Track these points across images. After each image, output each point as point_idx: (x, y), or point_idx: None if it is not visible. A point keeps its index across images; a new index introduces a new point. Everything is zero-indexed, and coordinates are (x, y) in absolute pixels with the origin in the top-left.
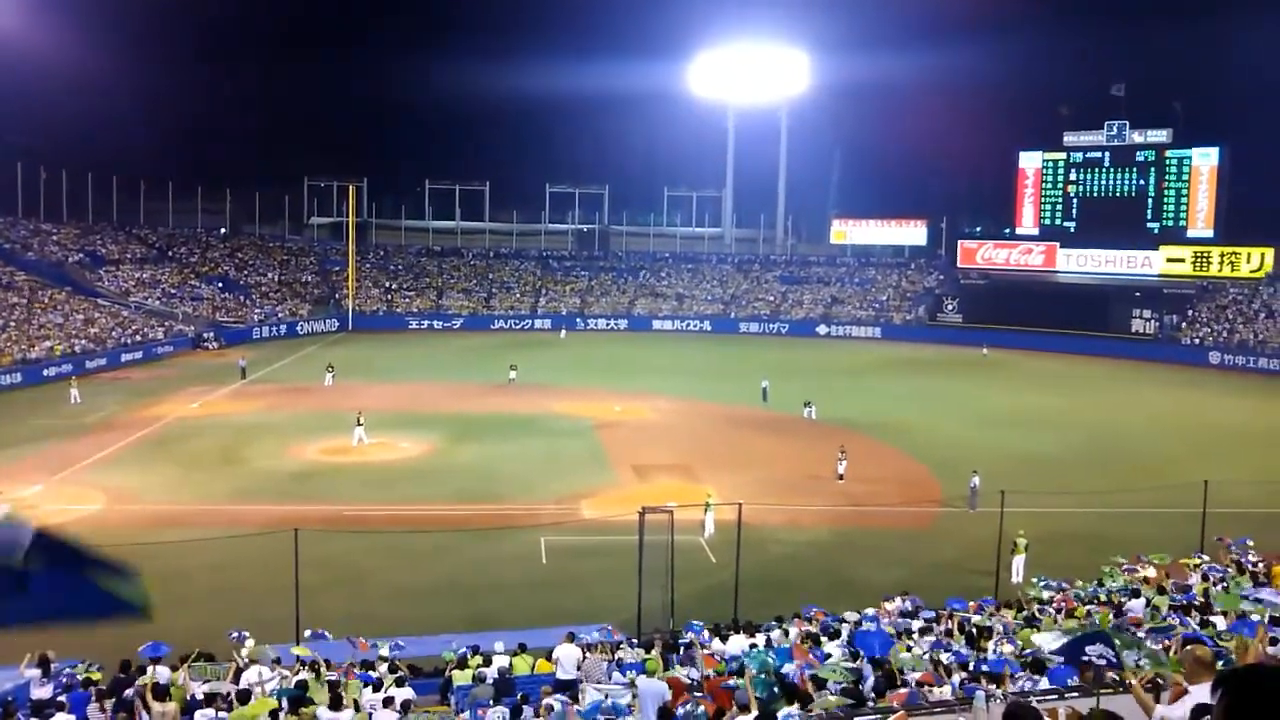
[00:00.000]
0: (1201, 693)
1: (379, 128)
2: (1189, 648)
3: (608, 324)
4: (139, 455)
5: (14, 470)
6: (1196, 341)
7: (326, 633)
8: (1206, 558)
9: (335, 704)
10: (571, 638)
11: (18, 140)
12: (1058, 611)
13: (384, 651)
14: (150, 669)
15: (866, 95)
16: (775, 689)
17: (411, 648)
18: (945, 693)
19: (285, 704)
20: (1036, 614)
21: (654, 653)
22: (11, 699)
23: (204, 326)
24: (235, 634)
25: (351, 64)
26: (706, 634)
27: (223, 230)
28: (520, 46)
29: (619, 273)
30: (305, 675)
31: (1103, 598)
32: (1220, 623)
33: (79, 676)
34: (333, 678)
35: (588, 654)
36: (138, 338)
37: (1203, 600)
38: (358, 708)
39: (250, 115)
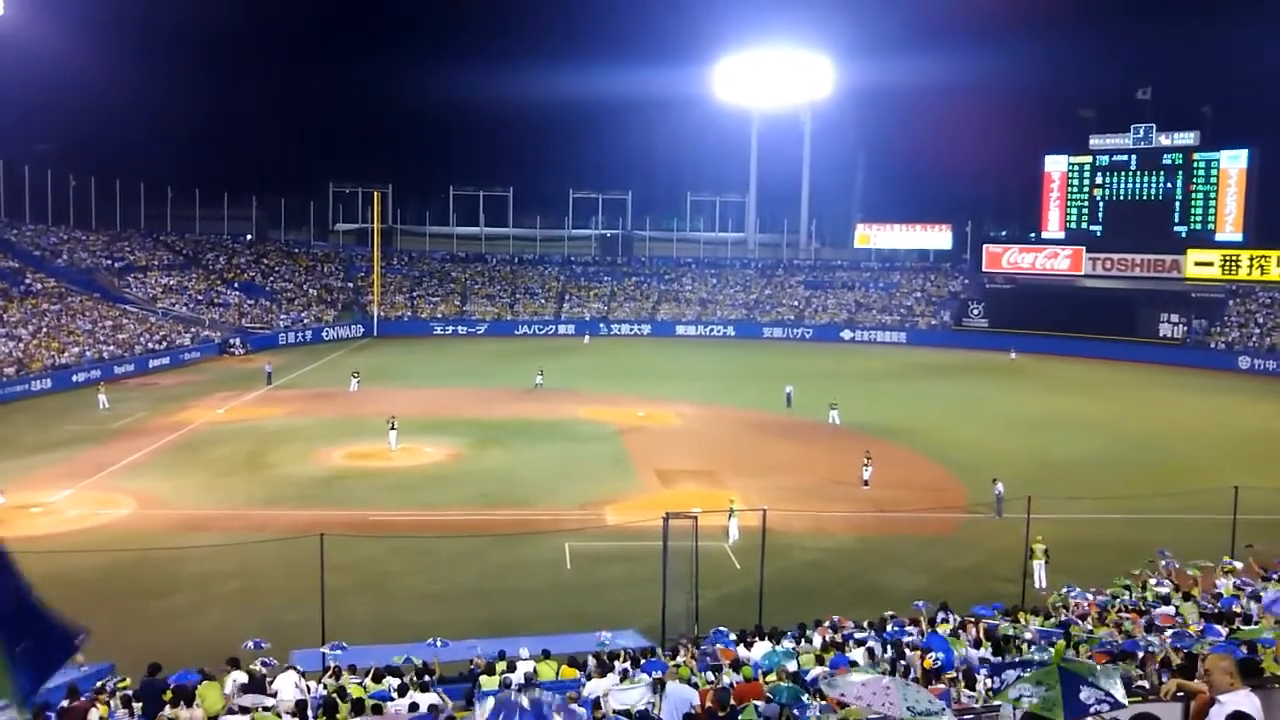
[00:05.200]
0: (1235, 700)
1: (403, 134)
2: (1212, 656)
3: (631, 329)
4: (167, 460)
5: (45, 476)
6: (1225, 346)
7: (344, 644)
8: (1239, 564)
9: (357, 709)
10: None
11: (47, 149)
12: (1083, 618)
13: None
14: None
15: (890, 99)
16: (801, 697)
17: (437, 652)
18: (970, 700)
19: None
20: (1067, 619)
21: (681, 658)
22: (45, 702)
23: (230, 332)
24: (253, 643)
25: (376, 71)
26: (732, 638)
27: (249, 237)
28: (544, 53)
29: (642, 278)
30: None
31: (1128, 605)
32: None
33: (114, 683)
34: (356, 681)
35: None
36: (165, 344)
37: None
38: (380, 712)
39: (276, 123)
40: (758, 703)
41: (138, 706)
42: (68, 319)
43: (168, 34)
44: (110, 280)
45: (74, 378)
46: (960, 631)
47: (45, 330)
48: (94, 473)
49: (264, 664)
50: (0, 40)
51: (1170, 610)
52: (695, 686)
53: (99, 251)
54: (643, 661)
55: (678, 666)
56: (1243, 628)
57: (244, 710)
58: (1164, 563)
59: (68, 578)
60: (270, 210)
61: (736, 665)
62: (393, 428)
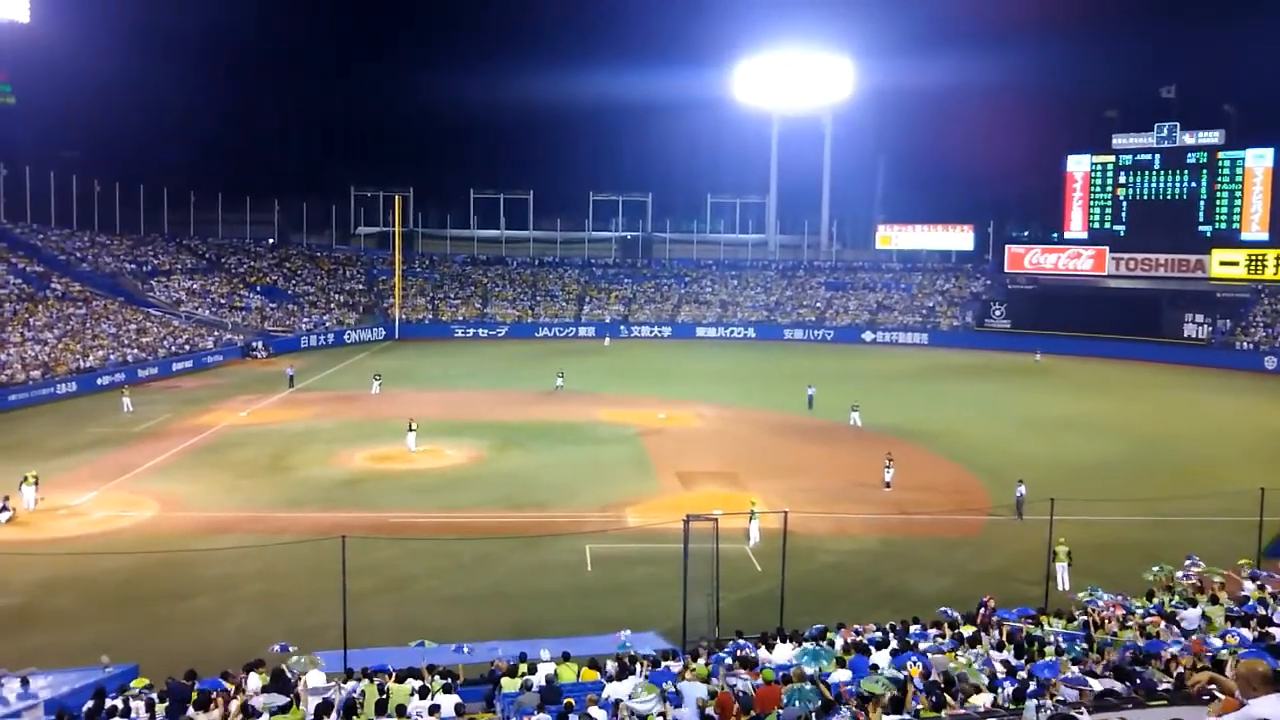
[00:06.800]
0: (1261, 707)
1: (424, 138)
2: (1245, 661)
3: (652, 331)
4: (190, 463)
5: (70, 478)
6: (1251, 346)
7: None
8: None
9: (380, 710)
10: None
11: (73, 155)
12: (1104, 621)
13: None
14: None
15: (911, 100)
16: (820, 700)
17: (458, 655)
18: (992, 701)
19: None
20: (1094, 625)
21: (699, 662)
22: (64, 707)
23: (253, 335)
24: (279, 646)
25: (397, 76)
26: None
27: (271, 241)
28: (564, 56)
29: (663, 280)
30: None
31: (1153, 610)
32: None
33: (134, 686)
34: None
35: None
36: (188, 347)
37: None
38: (403, 713)
39: (298, 127)
40: (779, 710)
41: (161, 708)
42: (92, 323)
43: (190, 40)
44: (134, 284)
45: (98, 381)
46: (983, 635)
47: (70, 334)
48: (118, 475)
49: (291, 671)
50: (26, 48)
51: (1197, 614)
52: (713, 694)
53: (123, 256)
54: (649, 673)
55: (693, 670)
56: (1273, 631)
57: (257, 713)
58: (1188, 563)
59: (93, 580)
60: (292, 214)
61: (747, 664)
62: (412, 429)
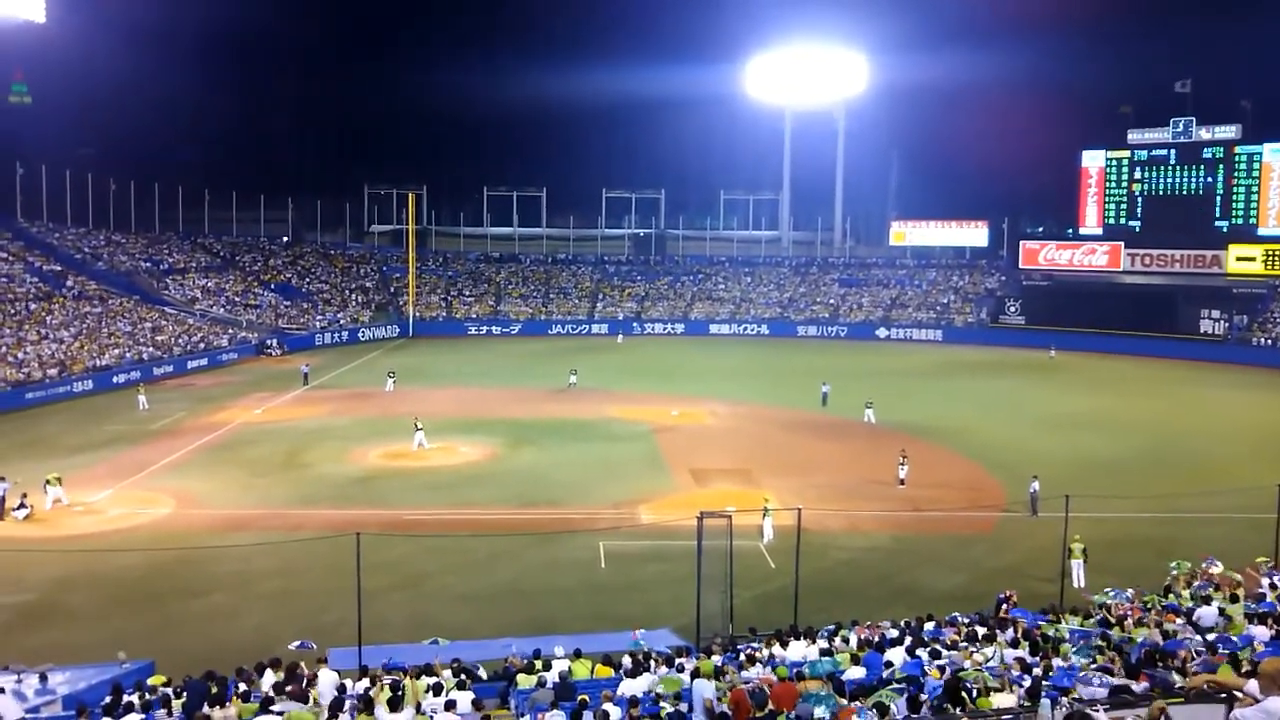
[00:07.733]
0: (1276, 705)
1: (438, 136)
2: (1268, 660)
3: (665, 328)
4: (205, 460)
5: (87, 476)
6: (1269, 342)
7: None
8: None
9: (394, 705)
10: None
11: (89, 153)
12: (1121, 619)
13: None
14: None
15: (925, 95)
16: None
17: (472, 651)
18: (1010, 700)
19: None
20: (1109, 622)
21: (713, 659)
22: (82, 702)
23: (267, 333)
24: (298, 644)
25: (410, 74)
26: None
27: (285, 238)
28: (576, 53)
29: (676, 277)
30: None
31: (1168, 607)
32: None
33: (150, 682)
34: (392, 680)
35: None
36: (203, 345)
37: None
38: (419, 709)
39: (311, 125)
40: (791, 711)
41: (178, 704)
42: (108, 321)
43: (205, 39)
44: (149, 282)
45: (114, 379)
46: (999, 632)
47: (86, 332)
48: (134, 472)
49: (304, 669)
50: (42, 47)
51: (1214, 611)
52: (726, 691)
53: (138, 254)
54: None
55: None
56: None
57: (278, 712)
58: (1205, 564)
59: (109, 576)
60: (306, 212)
61: (753, 659)
62: (418, 428)
